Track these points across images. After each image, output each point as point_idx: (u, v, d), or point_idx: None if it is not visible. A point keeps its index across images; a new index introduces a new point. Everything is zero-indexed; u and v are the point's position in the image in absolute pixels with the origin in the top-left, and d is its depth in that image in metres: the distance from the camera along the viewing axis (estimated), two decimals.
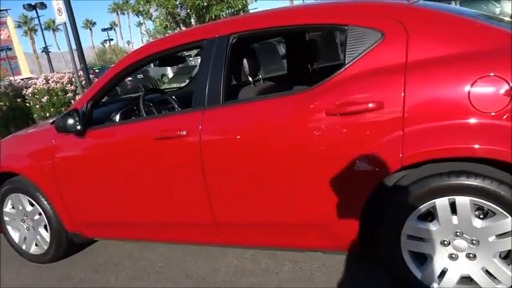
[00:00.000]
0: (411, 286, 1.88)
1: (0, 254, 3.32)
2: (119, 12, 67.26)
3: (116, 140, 2.47)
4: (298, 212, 2.03)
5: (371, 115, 1.77)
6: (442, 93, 1.67)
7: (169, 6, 7.35)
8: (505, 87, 1.57)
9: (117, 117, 2.80)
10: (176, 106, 3.07)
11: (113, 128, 2.57)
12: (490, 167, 1.66)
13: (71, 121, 2.42)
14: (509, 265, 1.71)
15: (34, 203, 2.88)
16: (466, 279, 1.81)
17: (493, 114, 1.58)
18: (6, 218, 3.09)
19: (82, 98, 2.64)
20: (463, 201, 1.69)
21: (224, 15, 7.85)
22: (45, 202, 2.83)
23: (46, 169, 2.69)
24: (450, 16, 1.88)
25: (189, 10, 7.63)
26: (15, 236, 3.10)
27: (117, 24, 68.94)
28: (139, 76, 20.34)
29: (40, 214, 2.90)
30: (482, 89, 1.60)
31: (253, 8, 8.90)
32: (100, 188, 2.55)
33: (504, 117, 1.57)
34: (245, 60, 2.41)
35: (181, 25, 8.06)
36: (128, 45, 68.76)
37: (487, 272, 1.76)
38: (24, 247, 3.08)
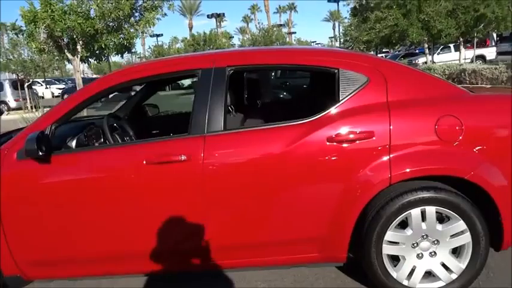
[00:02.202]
0: (391, 284, 2.27)
1: None
2: None
3: (93, 166, 2.28)
4: (298, 230, 2.25)
5: (365, 142, 2.16)
6: (417, 126, 2.19)
7: (58, 30, 6.65)
8: (458, 124, 2.16)
9: (74, 143, 2.57)
10: (131, 133, 2.95)
11: (84, 154, 2.36)
12: (440, 183, 2.22)
13: (32, 146, 2.14)
14: (458, 258, 2.27)
15: None
16: (428, 274, 2.30)
17: (453, 142, 2.15)
18: None
19: (44, 119, 2.35)
20: (431, 210, 2.20)
21: (113, 45, 7.50)
22: None
23: None
24: (411, 69, 2.47)
25: (75, 36, 7.06)
26: None
27: None
28: None
29: None
30: (444, 124, 2.17)
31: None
32: (70, 220, 2.27)
33: (461, 144, 2.15)
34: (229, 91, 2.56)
35: (65, 51, 7.31)
36: None
37: (444, 266, 2.28)
38: None
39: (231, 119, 2.58)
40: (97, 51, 7.76)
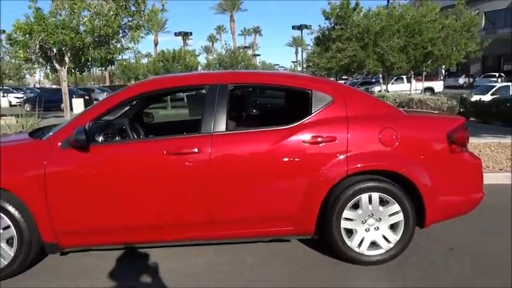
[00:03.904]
0: (346, 251, 3.05)
1: None
2: None
3: (125, 155, 2.94)
4: (280, 208, 3.00)
5: (330, 144, 2.97)
6: (367, 135, 3.03)
7: (51, 42, 7.13)
8: (395, 134, 3.03)
9: (101, 138, 3.19)
10: (142, 132, 3.63)
11: (117, 145, 3.02)
12: (382, 177, 3.07)
13: (82, 137, 2.78)
14: (393, 232, 3.10)
15: (1, 216, 2.86)
16: (372, 244, 3.11)
17: (391, 147, 3.01)
18: None
19: (84, 117, 2.99)
20: (375, 196, 3.03)
21: (98, 58, 8.02)
22: (18, 215, 2.88)
23: (35, 181, 2.83)
24: (364, 93, 3.34)
25: (64, 48, 7.56)
26: None
27: None
28: None
29: (6, 228, 2.89)
30: (385, 134, 3.03)
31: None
32: (103, 197, 2.89)
33: (396, 149, 3.01)
34: None
35: (54, 61, 7.75)
36: None
37: (384, 237, 3.10)
38: None
39: (229, 123, 3.32)
40: (81, 64, 8.31)
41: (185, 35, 44.81)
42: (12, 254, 2.92)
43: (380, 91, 19.53)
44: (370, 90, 24.67)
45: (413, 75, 19.06)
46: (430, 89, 26.26)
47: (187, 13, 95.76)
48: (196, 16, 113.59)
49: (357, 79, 33.22)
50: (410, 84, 19.36)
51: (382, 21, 14.71)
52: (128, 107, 4.35)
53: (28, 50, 7.41)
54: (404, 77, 24.66)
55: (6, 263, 2.93)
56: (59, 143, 2.93)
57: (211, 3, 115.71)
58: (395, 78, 25.55)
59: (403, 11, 15.22)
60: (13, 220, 2.88)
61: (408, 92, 17.48)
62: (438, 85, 28.09)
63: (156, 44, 57.88)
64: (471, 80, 33.07)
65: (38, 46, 7.25)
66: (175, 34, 44.23)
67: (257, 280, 2.94)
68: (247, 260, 3.24)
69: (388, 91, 19.51)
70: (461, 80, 33.80)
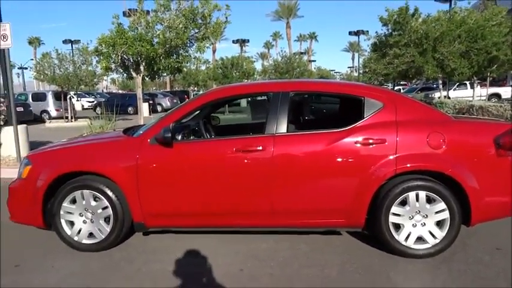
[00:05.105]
0: (394, 244, 3.35)
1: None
2: None
3: (201, 151, 3.49)
4: (333, 202, 3.38)
5: (380, 146, 3.30)
6: (415, 137, 3.32)
7: (130, 53, 8.19)
8: (442, 138, 3.29)
9: (180, 137, 3.75)
10: (212, 133, 4.18)
11: (195, 143, 3.58)
12: (429, 177, 3.33)
13: (168, 135, 3.36)
14: (440, 228, 3.35)
15: (102, 198, 3.52)
16: (419, 239, 3.38)
17: (438, 149, 3.28)
18: (61, 212, 3.59)
19: (168, 118, 3.58)
20: (422, 194, 3.30)
21: (168, 67, 8.93)
22: (114, 198, 3.51)
23: (129, 171, 3.45)
24: (413, 100, 3.62)
25: (139, 58, 8.57)
26: (68, 228, 3.61)
27: None
28: (19, 109, 18.94)
29: (105, 208, 3.55)
30: (432, 137, 3.30)
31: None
32: (183, 186, 3.44)
33: (443, 151, 3.27)
34: None
35: (131, 70, 8.84)
36: None
37: (430, 233, 3.36)
38: (76, 238, 3.60)
39: (289, 126, 3.76)
40: (154, 72, 9.26)
41: (243, 42, 46.21)
42: (109, 230, 3.57)
43: (439, 97, 18.98)
44: (430, 96, 23.92)
45: (476, 81, 18.31)
46: (497, 95, 24.90)
47: (243, 19, 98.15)
48: (253, 23, 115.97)
49: (416, 85, 32.25)
50: (473, 90, 18.62)
51: (442, 26, 14.40)
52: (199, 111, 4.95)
53: (110, 60, 8.46)
54: (467, 82, 23.66)
55: (103, 237, 3.58)
56: (148, 140, 3.53)
57: (268, 10, 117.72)
58: (457, 84, 24.56)
59: (465, 16, 14.80)
60: (110, 202, 3.52)
61: (470, 99, 16.86)
62: (505, 91, 26.48)
63: (214, 51, 59.95)
64: None
65: (119, 57, 8.26)
66: (233, 42, 45.78)
67: (311, 265, 3.33)
68: (302, 248, 3.65)
69: (449, 97, 18.90)
70: None
